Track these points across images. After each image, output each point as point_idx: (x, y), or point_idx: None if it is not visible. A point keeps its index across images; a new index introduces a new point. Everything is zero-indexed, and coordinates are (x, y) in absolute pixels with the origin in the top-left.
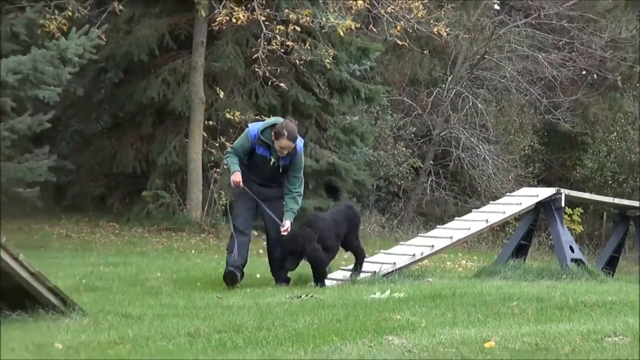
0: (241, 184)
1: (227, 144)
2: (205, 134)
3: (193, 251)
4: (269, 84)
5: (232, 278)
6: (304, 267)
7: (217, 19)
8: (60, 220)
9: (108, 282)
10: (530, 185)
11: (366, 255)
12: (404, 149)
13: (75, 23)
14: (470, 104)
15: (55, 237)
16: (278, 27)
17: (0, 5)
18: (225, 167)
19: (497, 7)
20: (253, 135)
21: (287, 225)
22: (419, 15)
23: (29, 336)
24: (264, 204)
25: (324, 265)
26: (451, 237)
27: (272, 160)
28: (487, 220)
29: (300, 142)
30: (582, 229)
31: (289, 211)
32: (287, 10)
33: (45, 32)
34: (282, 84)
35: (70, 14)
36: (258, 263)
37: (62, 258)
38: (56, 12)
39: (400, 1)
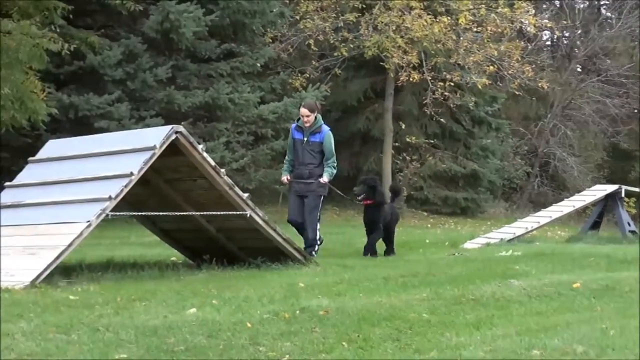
0: (286, 180)
1: (407, 157)
2: (392, 152)
3: None
4: (434, 119)
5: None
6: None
7: (401, 78)
8: None
9: (332, 244)
10: (601, 183)
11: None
12: (520, 160)
13: (310, 81)
14: (562, 131)
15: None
16: (439, 83)
17: None
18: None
19: (579, 69)
20: (293, 126)
21: (325, 179)
22: (529, 75)
23: (283, 278)
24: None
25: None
26: (550, 217)
27: (305, 138)
28: (574, 206)
29: (326, 127)
30: (635, 212)
31: (326, 172)
32: (444, 72)
33: (292, 88)
34: (442, 119)
35: (307, 75)
36: (432, 232)
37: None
38: (299, 74)
39: (517, 65)
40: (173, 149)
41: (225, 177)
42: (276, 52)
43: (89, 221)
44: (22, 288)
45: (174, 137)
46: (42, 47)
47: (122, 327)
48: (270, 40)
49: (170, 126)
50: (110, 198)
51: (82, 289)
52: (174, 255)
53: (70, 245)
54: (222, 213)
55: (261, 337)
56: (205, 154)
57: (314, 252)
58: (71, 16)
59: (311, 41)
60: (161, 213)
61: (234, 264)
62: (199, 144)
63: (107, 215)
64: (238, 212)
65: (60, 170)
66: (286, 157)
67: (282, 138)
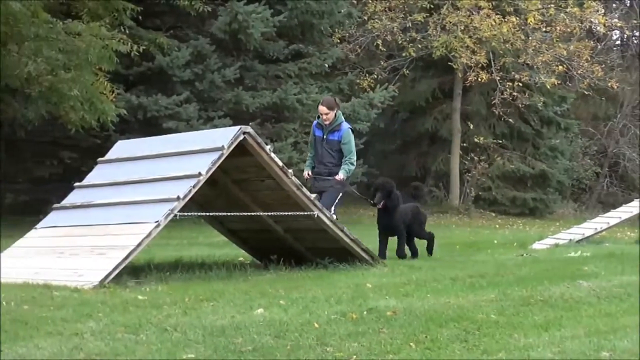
0: (307, 176)
1: (475, 158)
2: (460, 152)
3: (453, 226)
4: (502, 119)
5: None
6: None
7: (469, 79)
8: (368, 206)
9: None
10: None
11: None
12: (589, 160)
13: (378, 82)
14: (632, 131)
15: (365, 217)
16: (508, 83)
17: None
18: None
19: None
20: (315, 123)
21: (340, 176)
22: (598, 75)
23: (351, 279)
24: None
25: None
26: (620, 217)
27: (324, 136)
28: None
29: (346, 124)
30: None
31: (342, 169)
32: (513, 72)
33: (360, 88)
34: (510, 120)
35: (375, 76)
36: (500, 233)
37: (370, 229)
38: (367, 75)
39: (586, 65)
40: (241, 150)
41: (293, 178)
42: (344, 53)
43: (157, 221)
44: (91, 288)
45: (242, 137)
46: (112, 49)
47: (190, 327)
48: (338, 41)
49: (239, 127)
50: (178, 198)
51: (150, 289)
52: (242, 255)
53: (138, 245)
54: (289, 213)
55: (328, 337)
56: (273, 155)
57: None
58: (140, 17)
59: (379, 41)
60: (229, 213)
61: (302, 264)
62: (267, 144)
63: (176, 215)
64: (305, 213)
65: (129, 170)
66: (309, 154)
67: None
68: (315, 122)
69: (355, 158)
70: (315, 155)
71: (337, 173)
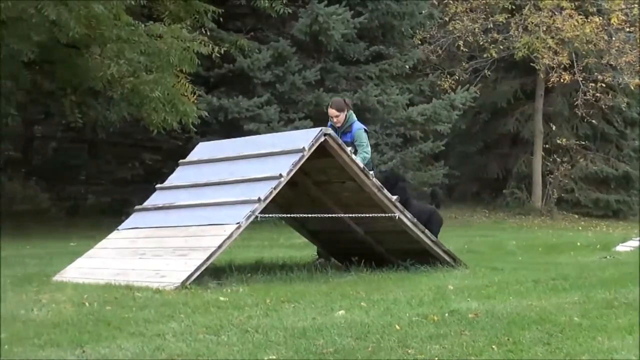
0: None
1: (558, 159)
2: (543, 153)
3: (536, 228)
4: (585, 120)
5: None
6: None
7: (551, 79)
8: (450, 208)
9: (481, 247)
10: None
11: None
12: None
13: (459, 83)
14: None
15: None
16: (590, 84)
17: None
18: None
19: None
20: (329, 126)
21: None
22: None
23: (432, 281)
24: None
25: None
26: None
27: None
28: None
29: (357, 124)
30: None
31: (357, 156)
32: (596, 73)
33: (441, 89)
34: (593, 121)
35: (456, 77)
36: (583, 235)
37: (451, 231)
38: (448, 76)
39: None
40: (322, 151)
41: (374, 179)
42: (425, 54)
43: (238, 223)
44: (173, 289)
45: (322, 139)
46: (193, 50)
47: (271, 328)
48: (419, 42)
49: (319, 128)
50: (259, 200)
51: (231, 290)
52: (323, 257)
53: (220, 246)
54: (370, 215)
55: (410, 339)
56: (353, 156)
57: None
58: (221, 19)
59: (460, 42)
60: (310, 215)
61: (383, 266)
62: (348, 146)
63: (257, 217)
64: (386, 215)
65: (210, 172)
66: None
67: (430, 140)
68: (329, 124)
69: (369, 150)
70: None
71: None
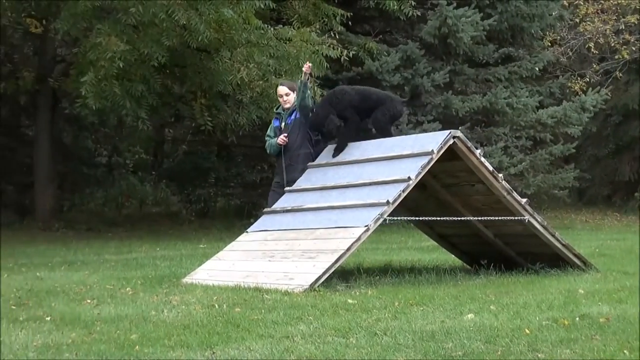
0: (283, 138)
1: None
2: None
3: None
4: None
5: None
6: None
7: None
8: (580, 211)
9: (612, 250)
10: None
11: None
12: None
13: (590, 85)
14: None
15: (577, 222)
16: None
17: None
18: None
19: None
20: (276, 109)
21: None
22: None
23: (562, 284)
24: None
25: (344, 139)
26: None
27: (284, 123)
28: None
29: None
30: None
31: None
32: None
33: (572, 92)
34: None
35: (587, 79)
36: None
37: (582, 235)
38: (578, 78)
39: None
40: (450, 154)
41: (504, 182)
42: (555, 56)
43: (367, 225)
44: (301, 291)
45: (451, 142)
46: (322, 54)
47: (399, 331)
48: (549, 44)
49: (448, 131)
50: (388, 203)
51: (360, 293)
52: (451, 260)
53: (348, 249)
54: (500, 218)
55: (540, 343)
56: (483, 159)
57: None
58: (350, 23)
59: (591, 44)
60: (439, 218)
61: (512, 269)
62: (477, 148)
63: (385, 219)
64: (516, 218)
65: (338, 175)
66: (268, 136)
67: (560, 142)
68: (275, 117)
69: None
70: (281, 150)
71: (301, 153)
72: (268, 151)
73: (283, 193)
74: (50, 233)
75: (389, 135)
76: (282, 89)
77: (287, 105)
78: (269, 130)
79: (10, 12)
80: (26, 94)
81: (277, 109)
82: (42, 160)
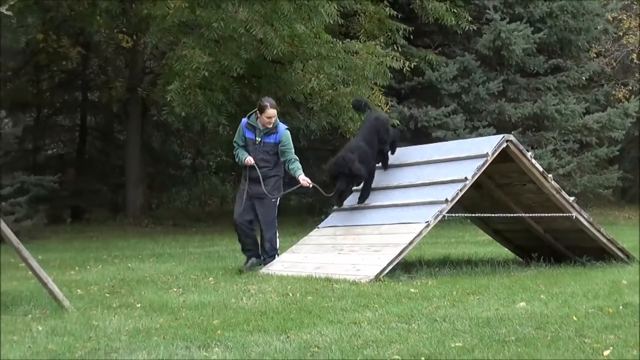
0: (251, 161)
1: None
2: None
3: None
4: None
5: None
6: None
7: None
8: (623, 209)
9: None
10: None
11: None
12: None
13: (633, 93)
14: None
15: (620, 218)
16: None
17: None
18: (236, 159)
19: None
20: (244, 122)
21: (306, 179)
22: None
23: (607, 276)
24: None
25: (369, 184)
26: None
27: (258, 139)
28: None
29: (282, 125)
30: None
31: (300, 170)
32: None
33: (615, 99)
34: None
35: (630, 88)
36: None
37: (624, 230)
38: (622, 86)
39: None
40: (504, 156)
41: (553, 182)
42: (600, 66)
43: (427, 222)
44: (368, 281)
45: (504, 145)
46: (386, 65)
47: (457, 318)
48: (595, 55)
49: (502, 135)
50: (446, 201)
51: (421, 283)
52: (505, 253)
53: (410, 243)
54: (549, 215)
55: (586, 329)
56: (533, 161)
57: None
58: (411, 36)
59: (634, 55)
60: (493, 215)
61: (560, 261)
62: (528, 151)
63: (444, 216)
64: (564, 214)
65: (400, 175)
66: (235, 145)
67: (605, 145)
68: (244, 121)
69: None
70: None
71: (272, 176)
72: (237, 160)
73: (249, 199)
74: (140, 228)
75: (398, 139)
76: (272, 112)
77: (269, 126)
78: (236, 137)
79: (104, 28)
80: (118, 102)
81: (249, 118)
82: (133, 163)
